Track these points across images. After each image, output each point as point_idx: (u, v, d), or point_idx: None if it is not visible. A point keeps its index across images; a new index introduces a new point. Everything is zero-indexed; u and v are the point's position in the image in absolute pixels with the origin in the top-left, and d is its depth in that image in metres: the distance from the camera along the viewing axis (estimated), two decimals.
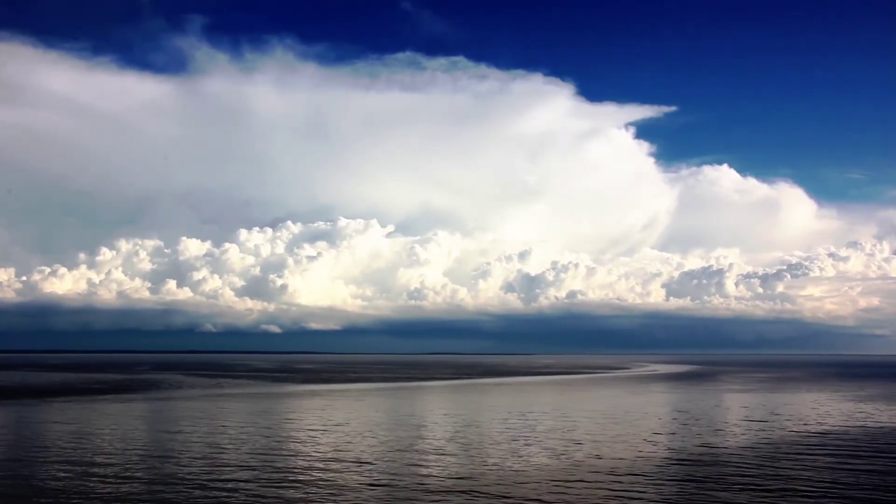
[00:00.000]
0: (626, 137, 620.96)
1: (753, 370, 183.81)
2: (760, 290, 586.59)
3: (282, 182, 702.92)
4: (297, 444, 39.14)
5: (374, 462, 33.38)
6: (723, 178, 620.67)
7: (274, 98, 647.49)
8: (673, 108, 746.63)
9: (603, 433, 43.93)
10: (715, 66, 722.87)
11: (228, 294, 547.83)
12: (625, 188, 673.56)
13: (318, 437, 42.19)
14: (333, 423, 49.36)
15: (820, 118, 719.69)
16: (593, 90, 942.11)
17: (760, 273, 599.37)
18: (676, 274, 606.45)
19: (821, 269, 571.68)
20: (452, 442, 39.99)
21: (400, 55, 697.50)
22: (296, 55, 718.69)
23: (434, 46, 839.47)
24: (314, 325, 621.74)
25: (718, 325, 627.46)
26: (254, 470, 31.34)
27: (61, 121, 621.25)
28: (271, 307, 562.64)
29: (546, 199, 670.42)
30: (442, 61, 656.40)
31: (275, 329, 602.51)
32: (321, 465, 32.46)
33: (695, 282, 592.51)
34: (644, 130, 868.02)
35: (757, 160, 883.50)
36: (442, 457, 34.86)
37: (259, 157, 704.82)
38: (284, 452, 36.26)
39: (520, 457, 34.87)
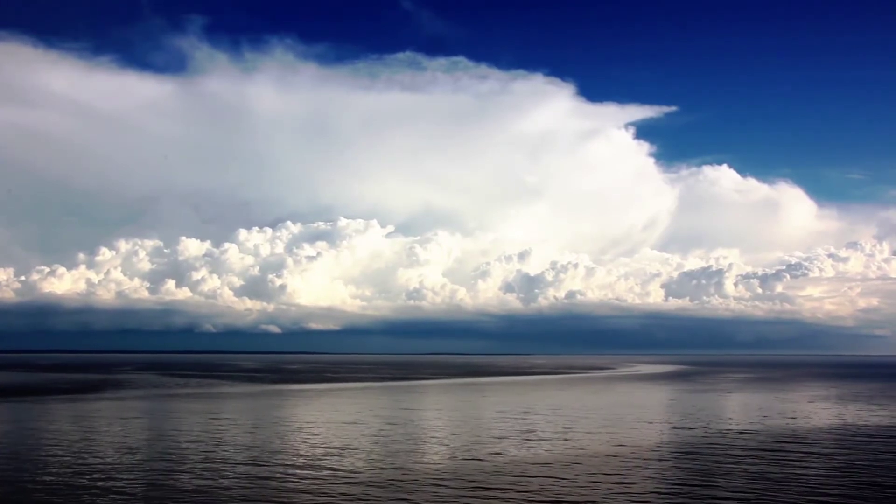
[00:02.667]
0: (627, 137, 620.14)
1: (740, 370, 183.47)
2: (760, 290, 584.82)
3: (282, 182, 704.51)
4: (199, 444, 39.15)
5: (289, 462, 33.37)
6: (723, 178, 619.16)
7: (274, 98, 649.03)
8: (673, 109, 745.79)
9: (504, 432, 43.90)
10: (715, 67, 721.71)
11: (227, 294, 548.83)
12: (625, 188, 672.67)
13: (224, 435, 42.23)
14: (268, 423, 49.40)
15: (820, 118, 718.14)
16: (593, 90, 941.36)
17: (760, 273, 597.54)
18: (676, 274, 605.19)
19: (820, 270, 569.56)
20: (364, 440, 40.03)
21: (400, 55, 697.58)
22: (296, 55, 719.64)
23: (434, 46, 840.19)
24: (313, 326, 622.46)
25: (718, 326, 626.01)
26: (127, 472, 31.36)
27: (61, 121, 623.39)
28: (270, 307, 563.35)
29: (546, 199, 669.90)
30: (442, 61, 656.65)
31: (274, 329, 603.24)
32: (209, 465, 32.49)
33: (694, 282, 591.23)
34: (644, 130, 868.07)
35: (757, 160, 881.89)
36: (354, 454, 34.89)
37: (259, 157, 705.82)
38: (172, 454, 36.28)
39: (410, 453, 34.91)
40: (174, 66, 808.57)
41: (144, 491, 27.18)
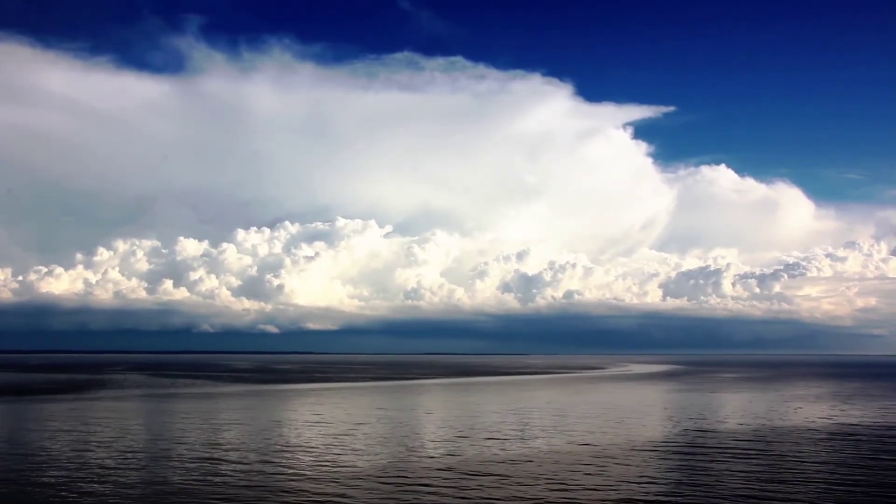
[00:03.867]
0: (625, 137, 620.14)
1: (732, 370, 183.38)
2: (758, 290, 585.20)
3: (280, 182, 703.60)
4: (159, 443, 39.15)
5: (250, 461, 33.36)
6: (721, 178, 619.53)
7: (272, 98, 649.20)
8: (671, 109, 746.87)
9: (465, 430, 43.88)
10: (713, 67, 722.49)
11: (225, 294, 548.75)
12: (623, 188, 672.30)
13: (193, 435, 42.22)
14: (231, 422, 49.39)
15: (818, 118, 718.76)
16: (592, 90, 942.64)
17: (758, 273, 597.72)
18: (674, 274, 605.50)
19: (818, 270, 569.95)
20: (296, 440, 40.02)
21: (398, 55, 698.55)
22: (294, 55, 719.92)
23: (432, 46, 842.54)
24: (311, 326, 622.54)
25: (716, 326, 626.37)
26: (67, 469, 31.35)
27: (59, 121, 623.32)
28: (268, 307, 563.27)
29: (545, 198, 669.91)
30: (440, 61, 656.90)
31: (272, 329, 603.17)
32: (154, 464, 32.47)
33: (692, 282, 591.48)
34: (642, 130, 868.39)
35: (755, 160, 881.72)
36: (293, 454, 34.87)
37: (257, 157, 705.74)
38: (136, 454, 36.27)
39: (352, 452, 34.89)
40: (172, 65, 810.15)
41: (98, 487, 27.17)
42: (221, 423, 49.86)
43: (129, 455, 35.17)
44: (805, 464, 32.98)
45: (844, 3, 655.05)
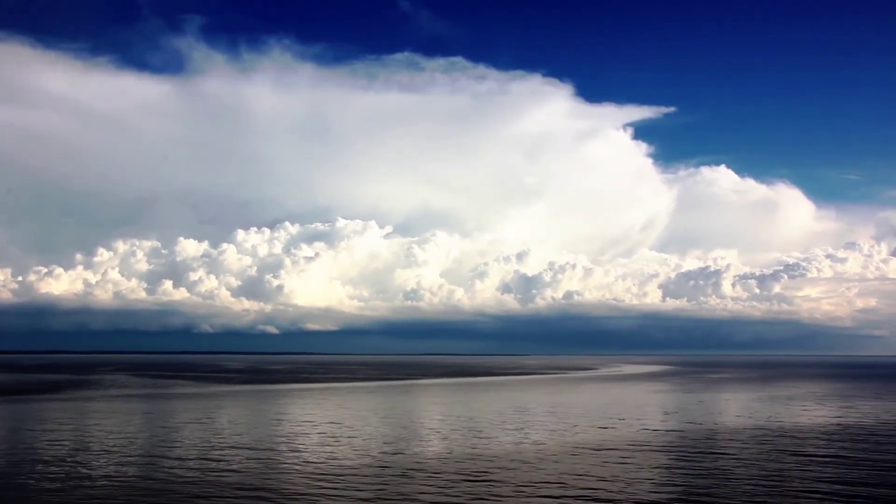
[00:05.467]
0: (625, 138, 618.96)
1: (726, 370, 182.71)
2: (758, 290, 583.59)
3: (280, 183, 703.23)
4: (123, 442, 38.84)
5: (216, 462, 33.02)
6: (721, 178, 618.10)
7: (272, 98, 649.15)
8: (671, 109, 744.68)
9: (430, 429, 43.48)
10: (713, 67, 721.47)
11: (225, 294, 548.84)
12: (623, 189, 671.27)
13: (147, 434, 41.91)
14: (192, 421, 49.09)
15: (818, 119, 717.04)
16: (592, 91, 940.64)
17: (758, 274, 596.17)
18: (673, 275, 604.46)
19: (818, 270, 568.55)
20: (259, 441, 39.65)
21: (398, 55, 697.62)
22: (294, 55, 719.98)
23: (432, 47, 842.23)
24: (311, 326, 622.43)
25: (715, 326, 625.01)
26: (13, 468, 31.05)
27: (59, 121, 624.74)
28: (268, 308, 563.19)
29: (545, 199, 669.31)
30: (440, 62, 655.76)
31: (272, 330, 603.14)
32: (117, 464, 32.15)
33: (692, 282, 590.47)
34: (642, 131, 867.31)
35: (755, 161, 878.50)
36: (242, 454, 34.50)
37: (257, 157, 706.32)
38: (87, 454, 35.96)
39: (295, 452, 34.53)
40: (172, 66, 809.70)
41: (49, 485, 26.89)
42: (181, 422, 49.53)
43: (78, 453, 34.86)
44: (737, 462, 32.55)
45: (844, 3, 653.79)
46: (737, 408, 63.78)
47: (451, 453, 35.83)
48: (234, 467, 31.80)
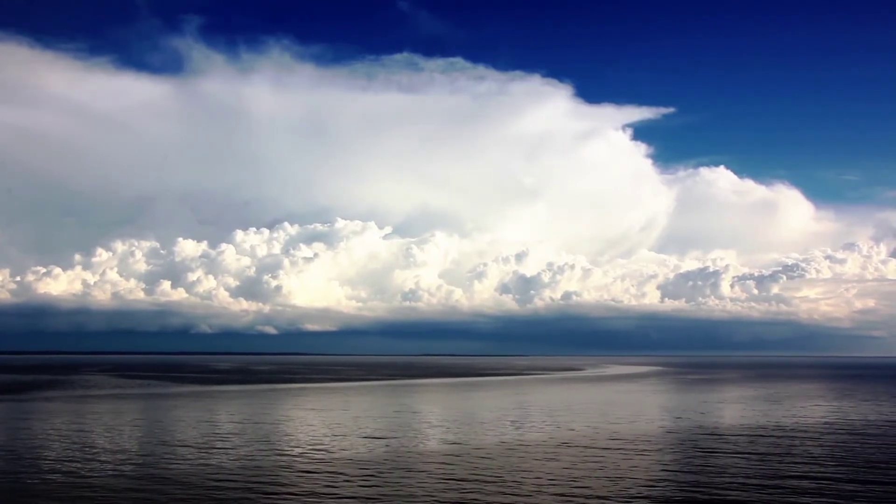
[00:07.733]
0: (624, 139, 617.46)
1: (721, 371, 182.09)
2: (756, 291, 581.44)
3: (279, 183, 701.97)
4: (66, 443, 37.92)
5: (141, 460, 32.08)
6: (720, 179, 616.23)
7: (271, 99, 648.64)
8: (670, 110, 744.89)
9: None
10: (712, 68, 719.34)
11: (223, 295, 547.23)
12: (622, 189, 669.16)
13: (103, 435, 41.01)
14: (152, 421, 48.20)
15: (817, 120, 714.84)
16: (591, 91, 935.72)
17: (756, 274, 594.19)
18: (672, 275, 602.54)
19: (817, 271, 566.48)
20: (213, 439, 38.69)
21: (397, 56, 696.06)
22: (293, 56, 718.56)
23: (432, 47, 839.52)
24: (310, 327, 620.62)
25: (714, 327, 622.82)
26: None
27: (58, 121, 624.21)
28: (266, 308, 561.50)
29: (543, 200, 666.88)
30: (440, 62, 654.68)
31: (270, 330, 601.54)
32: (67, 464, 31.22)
33: (690, 283, 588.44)
34: (642, 132, 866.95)
35: (754, 162, 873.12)
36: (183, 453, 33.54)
37: (256, 157, 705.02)
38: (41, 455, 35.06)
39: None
40: (171, 66, 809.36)
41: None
42: (123, 423, 48.66)
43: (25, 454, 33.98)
44: (694, 458, 31.55)
45: (844, 3, 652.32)
46: (681, 407, 62.77)
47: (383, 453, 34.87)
48: (161, 466, 30.85)
